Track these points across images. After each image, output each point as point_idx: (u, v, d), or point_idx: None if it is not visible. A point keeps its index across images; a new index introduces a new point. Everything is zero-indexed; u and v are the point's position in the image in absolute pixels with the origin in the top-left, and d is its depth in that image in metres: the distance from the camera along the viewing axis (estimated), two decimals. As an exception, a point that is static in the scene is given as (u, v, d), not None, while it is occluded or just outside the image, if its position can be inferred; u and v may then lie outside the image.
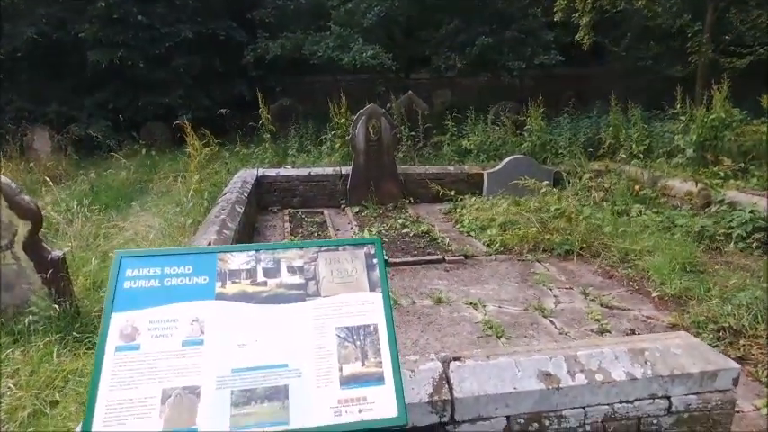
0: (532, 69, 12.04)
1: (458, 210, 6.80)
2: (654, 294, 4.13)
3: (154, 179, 8.29)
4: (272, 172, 7.37)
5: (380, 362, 1.56)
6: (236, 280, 1.64)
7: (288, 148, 9.27)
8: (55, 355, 3.08)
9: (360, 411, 1.47)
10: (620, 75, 12.91)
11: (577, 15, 10.19)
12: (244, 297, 1.61)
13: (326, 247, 1.75)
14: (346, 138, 7.81)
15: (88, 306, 3.91)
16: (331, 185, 7.37)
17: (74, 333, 3.34)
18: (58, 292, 3.63)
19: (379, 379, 1.53)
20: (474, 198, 6.99)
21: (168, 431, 1.37)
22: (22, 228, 3.63)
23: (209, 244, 3.89)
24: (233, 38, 12.72)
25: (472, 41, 11.48)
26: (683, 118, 7.25)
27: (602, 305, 4.00)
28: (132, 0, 11.38)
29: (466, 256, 5.08)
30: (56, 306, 3.51)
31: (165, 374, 1.45)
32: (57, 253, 3.78)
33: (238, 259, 1.68)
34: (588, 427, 2.04)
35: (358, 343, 1.58)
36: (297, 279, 1.67)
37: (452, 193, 7.04)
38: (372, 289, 1.69)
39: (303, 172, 7.44)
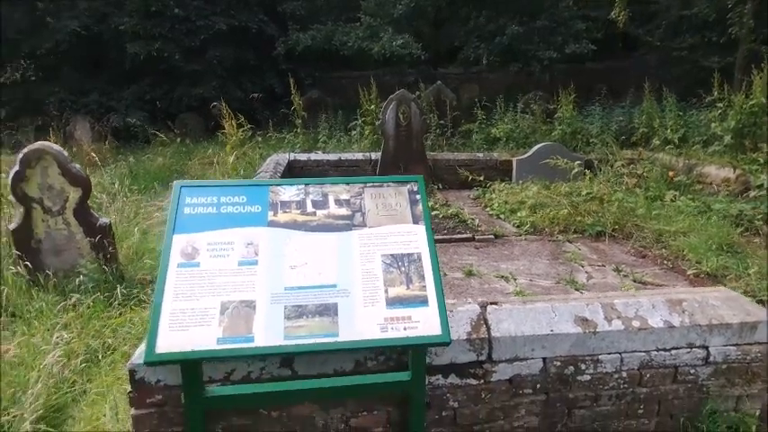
0: (563, 62, 11.87)
1: (486, 195, 6.80)
2: (689, 272, 4.08)
3: (189, 165, 8.55)
4: (302, 156, 7.51)
5: (424, 286, 1.63)
6: (287, 210, 1.73)
7: (318, 134, 9.43)
8: (103, 309, 3.24)
9: (405, 329, 1.54)
10: (654, 66, 12.63)
11: None
12: (294, 225, 1.70)
13: (372, 184, 1.83)
14: (376, 123, 7.90)
15: (132, 272, 4.10)
16: (361, 170, 7.45)
17: (120, 291, 3.50)
18: (104, 256, 3.82)
19: (423, 301, 1.60)
20: (503, 184, 6.98)
21: (227, 337, 1.47)
22: (74, 194, 3.83)
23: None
24: (264, 31, 12.98)
25: (502, 31, 11.42)
26: (720, 105, 7.07)
27: (634, 281, 3.97)
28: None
29: (496, 236, 5.09)
30: (105, 267, 3.69)
31: (223, 289, 1.55)
32: (104, 220, 3.97)
33: (289, 192, 1.77)
34: (624, 374, 2.06)
35: (403, 269, 1.65)
36: (344, 211, 1.75)
37: (481, 178, 7.04)
38: (416, 222, 1.76)
39: (333, 157, 7.55)
